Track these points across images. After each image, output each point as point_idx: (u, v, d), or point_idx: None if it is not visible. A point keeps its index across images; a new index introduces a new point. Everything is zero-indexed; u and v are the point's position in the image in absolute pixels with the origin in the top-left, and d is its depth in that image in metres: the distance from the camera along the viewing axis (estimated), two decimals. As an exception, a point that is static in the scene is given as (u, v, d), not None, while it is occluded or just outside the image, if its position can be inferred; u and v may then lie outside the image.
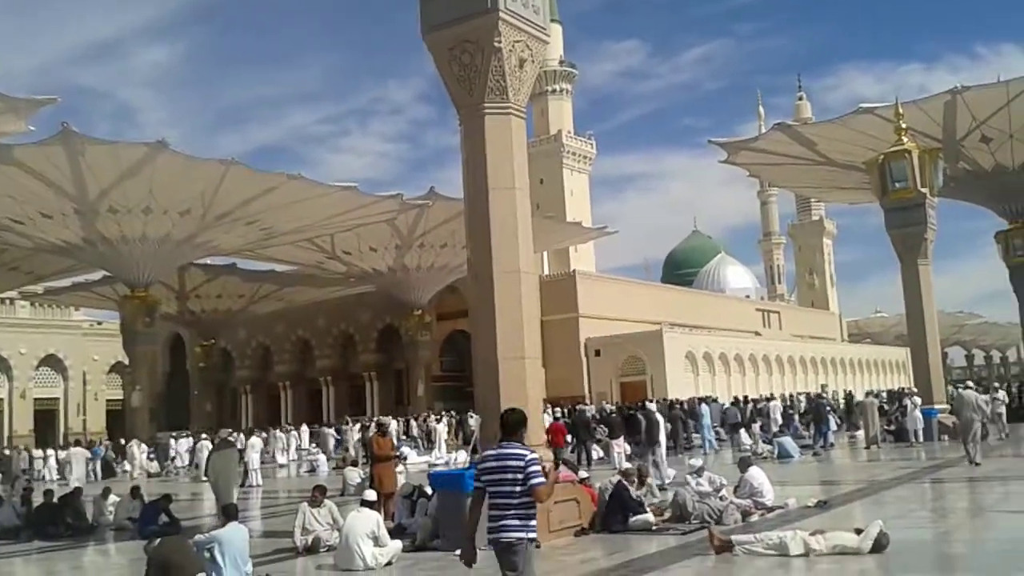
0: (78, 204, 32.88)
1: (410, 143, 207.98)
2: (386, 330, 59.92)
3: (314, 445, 37.65)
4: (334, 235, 42.69)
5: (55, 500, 16.67)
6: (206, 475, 18.31)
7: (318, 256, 46.19)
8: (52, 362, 64.41)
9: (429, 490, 12.33)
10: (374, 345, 61.23)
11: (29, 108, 28.55)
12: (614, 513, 11.70)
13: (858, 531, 9.37)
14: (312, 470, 29.23)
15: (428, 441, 35.33)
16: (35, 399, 63.02)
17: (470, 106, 12.74)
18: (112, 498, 17.25)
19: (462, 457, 24.84)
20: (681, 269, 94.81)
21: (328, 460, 30.39)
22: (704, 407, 28.14)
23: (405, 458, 20.41)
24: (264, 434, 35.58)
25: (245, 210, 35.33)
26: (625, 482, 12.05)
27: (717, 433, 29.29)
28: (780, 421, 28.54)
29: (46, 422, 62.45)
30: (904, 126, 28.42)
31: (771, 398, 36.64)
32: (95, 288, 48.62)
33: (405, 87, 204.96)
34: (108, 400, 67.11)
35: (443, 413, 42.19)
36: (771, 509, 12.31)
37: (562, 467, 12.36)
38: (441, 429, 34.11)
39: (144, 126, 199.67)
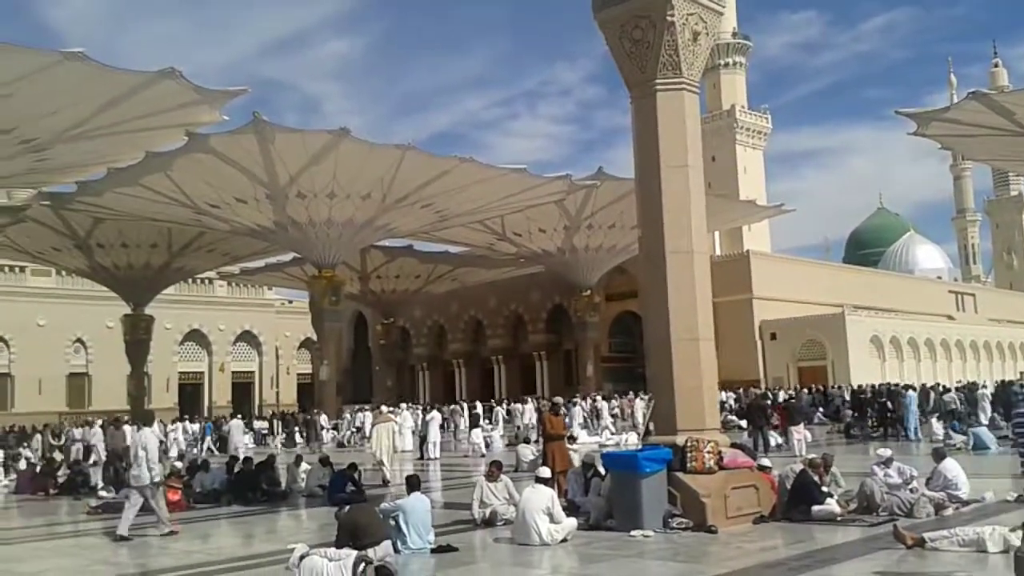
0: (269, 189, 34.98)
1: (579, 124, 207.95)
2: (555, 310, 60.41)
3: (487, 422, 38.51)
4: (504, 217, 43.35)
5: (253, 467, 17.88)
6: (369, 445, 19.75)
7: (489, 237, 47.09)
8: (248, 338, 69.13)
9: (602, 469, 12.34)
10: (543, 325, 61.89)
11: (222, 99, 30.45)
12: (797, 502, 11.30)
13: (1067, 530, 8.60)
14: (487, 446, 29.91)
15: (597, 420, 35.35)
16: (233, 372, 67.92)
17: (642, 83, 12.57)
18: (304, 466, 18.33)
19: (632, 439, 24.72)
20: (865, 248, 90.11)
21: (502, 436, 31.00)
22: (911, 393, 26.63)
23: (575, 438, 20.51)
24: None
25: (421, 193, 36.50)
26: (810, 470, 11.60)
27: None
28: (989, 411, 26.49)
29: (243, 394, 67.23)
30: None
31: (983, 385, 34.13)
32: (286, 269, 51.72)
33: (574, 68, 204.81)
34: (299, 374, 71.40)
35: (612, 394, 42.10)
36: (966, 503, 11.53)
37: (738, 452, 12.03)
38: (605, 409, 34.02)
39: (328, 115, 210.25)
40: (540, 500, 10.35)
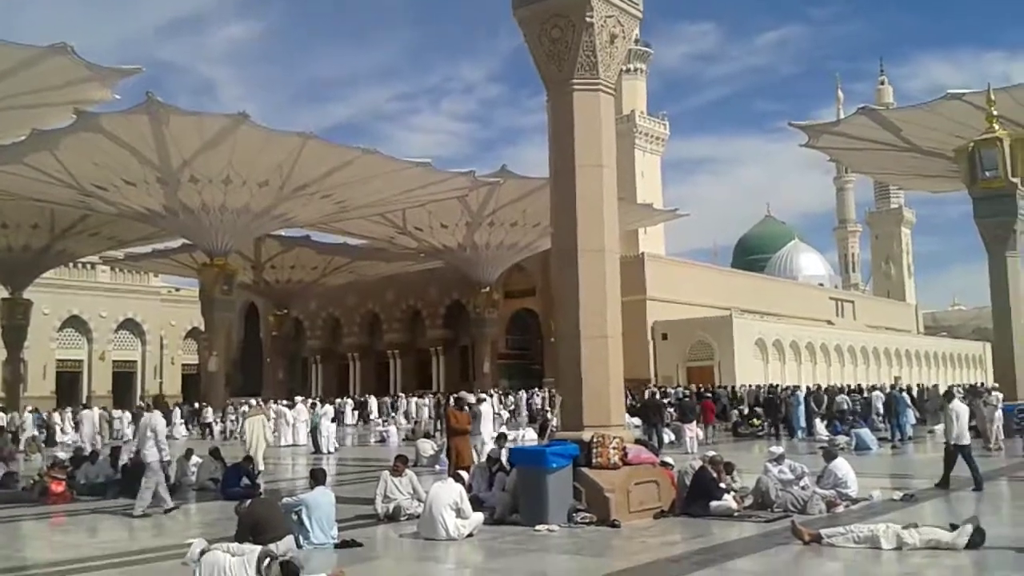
0: (161, 173, 33.69)
1: (480, 123, 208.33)
2: (454, 306, 60.32)
3: (382, 418, 38.20)
4: (406, 211, 43.08)
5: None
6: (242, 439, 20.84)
7: (390, 231, 46.69)
8: (131, 326, 66.34)
9: (507, 464, 12.37)
10: (441, 320, 61.71)
11: (114, 77, 29.31)
12: (696, 497, 11.59)
13: (953, 526, 9.12)
14: (382, 440, 29.64)
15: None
16: (114, 361, 65.10)
17: (560, 82, 12.66)
18: (195, 459, 17.71)
19: (530, 435, 24.90)
20: (753, 255, 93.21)
21: (398, 431, 30.77)
22: (798, 395, 27.69)
23: (505, 436, 20.55)
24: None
25: (321, 184, 35.85)
26: (709, 468, 11.92)
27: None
28: (882, 411, 27.80)
29: (124, 384, 64.52)
30: (995, 113, 27.37)
31: (872, 388, 35.79)
32: (174, 255, 49.92)
33: (477, 66, 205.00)
34: (184, 364, 69.03)
35: (507, 390, 42.29)
36: (855, 501, 12.06)
37: (641, 449, 12.26)
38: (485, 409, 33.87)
39: (224, 101, 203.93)
40: (448, 495, 10.30)
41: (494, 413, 19.40)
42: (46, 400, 49.69)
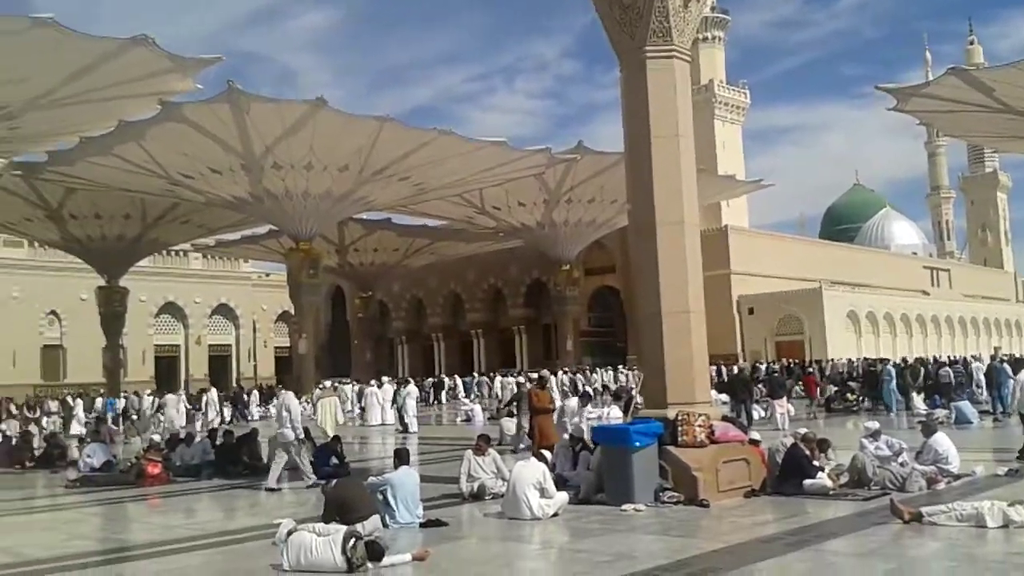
0: (244, 160, 34.41)
1: (555, 99, 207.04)
2: (535, 285, 60.33)
3: (467, 397, 38.47)
4: (483, 190, 43.11)
5: (234, 440, 17.60)
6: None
7: (468, 211, 46.82)
8: (224, 311, 68.42)
9: (591, 443, 12.20)
10: (523, 300, 61.83)
11: (195, 67, 29.89)
12: (788, 476, 11.22)
13: (1062, 503, 8.59)
14: (468, 419, 29.82)
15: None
16: (210, 345, 67.29)
17: (632, 50, 12.31)
18: (285, 439, 18.00)
19: (615, 412, 24.63)
20: (841, 224, 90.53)
21: (484, 410, 30.90)
22: (888, 368, 26.71)
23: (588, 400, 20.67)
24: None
25: (399, 166, 36.11)
26: (801, 445, 11.52)
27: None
28: (983, 383, 26.60)
29: (220, 367, 66.65)
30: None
31: (975, 359, 34.42)
32: (262, 241, 51.13)
33: (550, 43, 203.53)
34: (276, 347, 70.89)
35: (592, 368, 42.03)
36: (957, 477, 11.51)
37: (728, 426, 11.94)
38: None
39: (304, 88, 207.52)
40: (532, 474, 10.20)
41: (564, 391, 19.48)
42: (146, 384, 51.61)
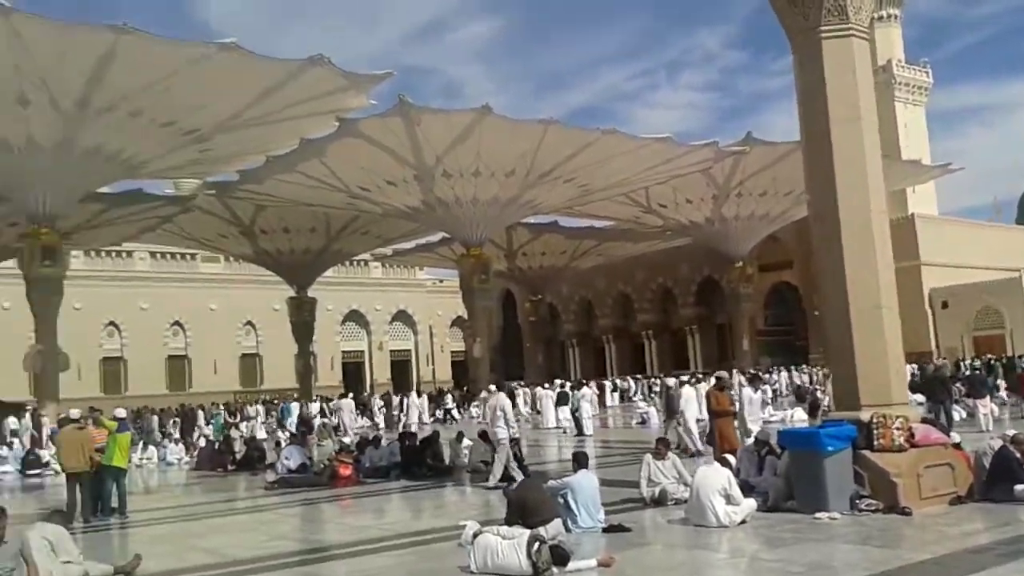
0: (417, 170, 35.61)
1: (721, 92, 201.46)
2: (706, 283, 58.99)
3: (640, 397, 38.07)
4: (649, 188, 42.66)
5: (417, 443, 18.17)
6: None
7: (634, 210, 46.43)
8: (403, 317, 71.12)
9: (778, 447, 11.71)
10: (693, 299, 60.61)
11: (369, 83, 31.17)
12: (997, 481, 10.34)
13: None
14: (643, 422, 29.49)
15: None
16: (391, 351, 70.08)
17: (805, 32, 11.72)
18: (466, 442, 18.47)
19: (799, 415, 23.67)
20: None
21: (658, 412, 30.44)
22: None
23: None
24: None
25: (564, 168, 36.30)
26: (1011, 447, 10.60)
27: None
28: None
29: (401, 371, 69.28)
30: None
31: None
32: (436, 249, 52.79)
33: (715, 34, 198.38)
34: (452, 351, 72.93)
35: (768, 368, 40.50)
36: None
37: (929, 428, 11.14)
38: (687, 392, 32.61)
39: (469, 98, 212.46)
40: (717, 479, 9.88)
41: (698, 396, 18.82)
42: (334, 389, 54.32)
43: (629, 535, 9.78)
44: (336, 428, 31.06)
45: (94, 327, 55.24)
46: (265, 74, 27.99)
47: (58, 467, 18.28)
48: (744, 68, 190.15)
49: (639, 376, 49.44)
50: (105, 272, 56.60)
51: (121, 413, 15.16)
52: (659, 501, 11.43)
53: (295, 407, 35.22)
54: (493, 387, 28.76)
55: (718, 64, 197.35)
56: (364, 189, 37.25)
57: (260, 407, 38.53)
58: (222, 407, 37.93)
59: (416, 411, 37.04)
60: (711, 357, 57.67)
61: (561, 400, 29.66)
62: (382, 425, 35.27)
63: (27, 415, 30.09)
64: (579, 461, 10.73)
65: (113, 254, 57.02)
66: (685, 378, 22.38)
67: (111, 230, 42.12)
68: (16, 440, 27.97)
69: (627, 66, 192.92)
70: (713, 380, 17.12)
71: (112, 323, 57.84)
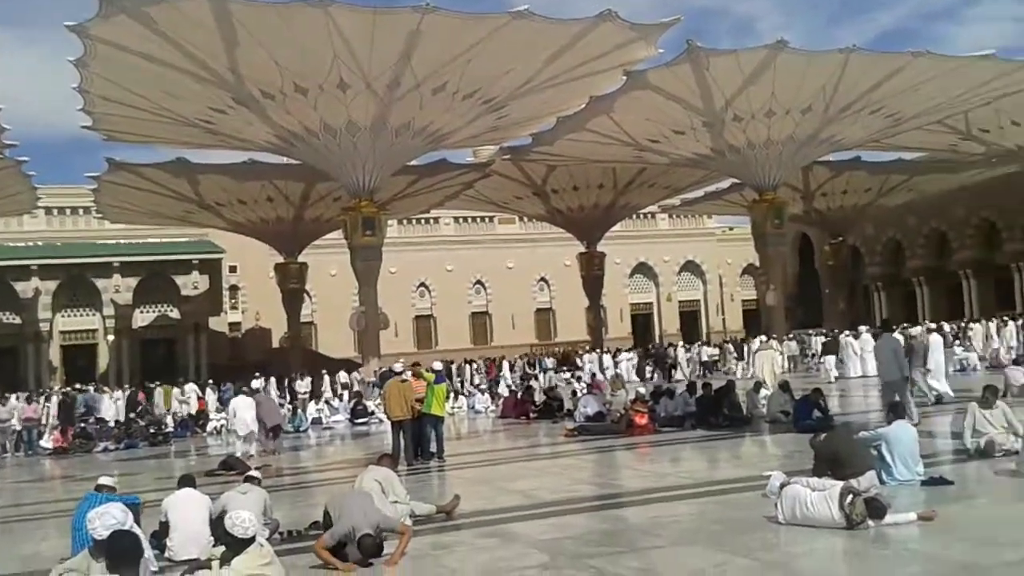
0: (705, 117, 34.65)
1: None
2: (1040, 214, 52.23)
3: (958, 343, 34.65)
4: (968, 113, 38.46)
5: (712, 393, 17.99)
6: None
7: (950, 138, 42.25)
8: (691, 267, 70.30)
9: None
10: (1022, 232, 53.91)
11: (656, 32, 30.76)
12: None
13: None
14: (962, 369, 26.98)
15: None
16: (679, 301, 69.73)
17: None
18: (763, 392, 18.02)
19: None
20: None
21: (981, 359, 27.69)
22: None
23: None
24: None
25: (867, 99, 33.70)
26: None
27: None
28: None
29: (690, 322, 68.79)
30: None
31: None
32: (725, 196, 51.33)
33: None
34: (743, 300, 71.05)
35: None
36: None
37: None
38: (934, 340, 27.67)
39: (761, 34, 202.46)
40: (1056, 430, 8.82)
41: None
42: (623, 340, 55.16)
43: (951, 488, 9.05)
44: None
45: (407, 288, 60.14)
46: (556, 36, 28.67)
47: (383, 416, 20.19)
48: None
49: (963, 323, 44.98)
50: (415, 238, 61.33)
51: (438, 366, 16.44)
52: (985, 452, 10.48)
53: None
54: (764, 337, 28.06)
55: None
56: (652, 141, 37.01)
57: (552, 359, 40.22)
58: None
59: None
60: (1045, 297, 51.22)
61: (828, 349, 28.66)
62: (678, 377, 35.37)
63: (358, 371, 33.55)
64: (896, 411, 10.08)
65: (422, 221, 61.55)
66: (933, 326, 20.77)
67: (420, 199, 45.60)
68: (346, 392, 31.32)
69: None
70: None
71: (423, 284, 62.69)
